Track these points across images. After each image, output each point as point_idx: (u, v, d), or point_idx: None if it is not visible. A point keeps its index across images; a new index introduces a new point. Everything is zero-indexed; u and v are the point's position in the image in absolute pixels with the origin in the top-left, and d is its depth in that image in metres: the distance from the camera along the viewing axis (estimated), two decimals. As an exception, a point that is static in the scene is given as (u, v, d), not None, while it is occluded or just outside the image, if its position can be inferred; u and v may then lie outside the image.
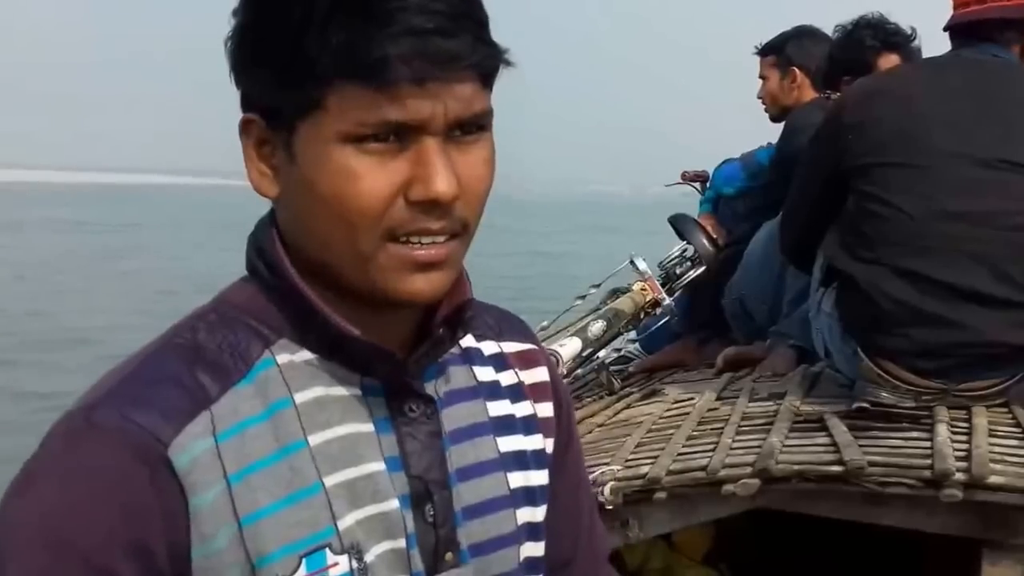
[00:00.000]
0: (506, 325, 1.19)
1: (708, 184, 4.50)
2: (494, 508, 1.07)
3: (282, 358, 0.98)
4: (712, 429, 2.59)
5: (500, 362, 1.14)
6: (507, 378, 1.14)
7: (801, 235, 2.90)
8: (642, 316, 3.76)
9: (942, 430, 2.28)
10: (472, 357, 1.11)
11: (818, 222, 2.75)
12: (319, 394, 0.98)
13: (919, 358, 2.48)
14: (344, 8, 0.89)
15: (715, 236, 4.01)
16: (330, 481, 0.96)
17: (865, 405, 2.48)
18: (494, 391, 1.12)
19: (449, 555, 1.02)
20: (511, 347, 1.16)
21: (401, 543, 0.99)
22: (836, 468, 2.13)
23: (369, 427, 0.99)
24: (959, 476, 2.01)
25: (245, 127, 0.97)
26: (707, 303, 3.94)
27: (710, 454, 2.32)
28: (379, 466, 0.99)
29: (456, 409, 1.07)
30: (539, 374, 1.17)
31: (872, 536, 2.70)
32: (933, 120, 2.58)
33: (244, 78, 0.97)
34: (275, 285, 0.99)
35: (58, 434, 0.92)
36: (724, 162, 4.31)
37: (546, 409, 1.16)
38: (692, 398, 3.04)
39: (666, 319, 3.86)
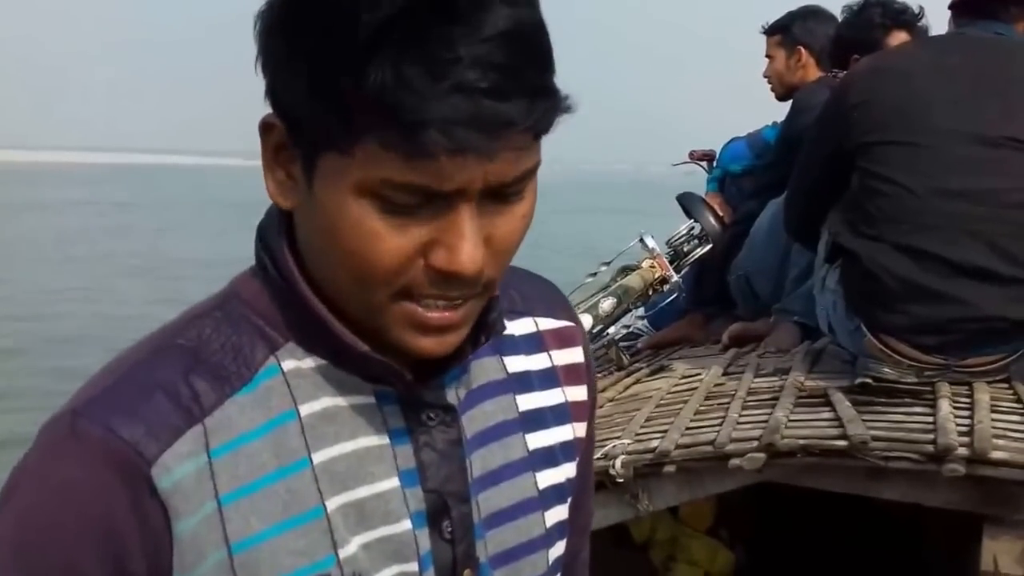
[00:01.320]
0: (542, 297, 1.08)
1: (715, 163, 4.53)
2: (522, 512, 0.98)
3: (288, 364, 0.90)
4: (719, 404, 2.63)
5: (534, 342, 1.04)
6: (539, 362, 1.04)
7: (806, 213, 2.93)
8: (650, 293, 3.80)
9: (944, 405, 2.31)
10: (503, 345, 1.01)
11: (822, 200, 2.77)
12: (327, 405, 0.90)
13: (921, 334, 2.51)
14: (392, 39, 0.76)
15: (722, 214, 4.04)
16: (333, 503, 0.88)
17: (868, 381, 2.51)
18: (525, 382, 1.02)
19: (467, 572, 0.93)
20: (547, 324, 1.06)
21: (413, 566, 0.90)
22: (840, 442, 2.16)
23: (383, 439, 0.91)
24: (961, 451, 2.04)
25: (265, 129, 0.86)
26: (714, 280, 3.98)
27: (717, 428, 2.35)
28: (391, 483, 0.90)
29: (482, 408, 0.97)
30: (574, 355, 1.07)
31: (873, 510, 2.74)
32: (934, 98, 2.60)
33: (271, 73, 0.85)
34: (282, 287, 0.90)
35: (42, 442, 0.86)
36: (731, 141, 4.34)
37: (579, 392, 1.07)
38: (699, 373, 3.08)
39: (674, 296, 3.90)
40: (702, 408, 2.63)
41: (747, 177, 4.19)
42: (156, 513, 0.83)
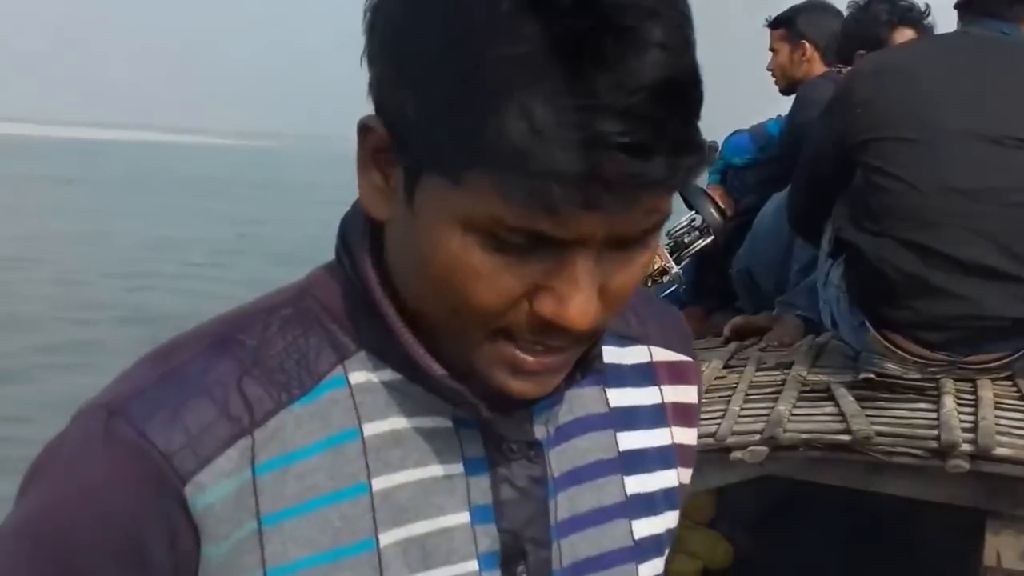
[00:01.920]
0: (661, 325, 0.97)
1: (718, 155, 4.52)
2: (613, 563, 0.87)
3: (356, 377, 0.80)
4: (720, 397, 2.63)
5: (645, 374, 0.94)
6: (648, 397, 0.93)
7: (810, 207, 2.93)
8: (650, 284, 3.80)
9: (948, 402, 2.32)
10: (608, 375, 0.90)
11: (826, 195, 2.78)
12: (396, 427, 0.80)
13: (925, 330, 2.51)
14: (527, 76, 0.66)
15: (723, 206, 4.04)
16: (388, 538, 0.78)
17: (871, 376, 2.52)
18: (629, 418, 0.91)
19: None
20: (663, 355, 0.95)
21: None
22: (843, 437, 2.17)
23: (456, 469, 0.80)
24: (965, 447, 2.05)
25: (364, 131, 0.76)
26: (715, 272, 3.98)
27: (718, 421, 2.35)
28: (460, 518, 0.80)
29: (575, 445, 0.87)
30: (687, 394, 0.96)
31: (873, 505, 2.75)
32: (939, 96, 2.61)
33: (378, 75, 0.74)
34: (359, 292, 0.80)
35: (73, 432, 0.78)
36: (734, 133, 4.33)
37: (687, 436, 0.96)
38: (700, 366, 3.07)
39: (674, 287, 3.90)
40: (703, 401, 2.62)
41: (750, 170, 4.19)
42: (186, 534, 0.75)
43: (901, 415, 2.31)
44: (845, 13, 3.77)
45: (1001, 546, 2.07)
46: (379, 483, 0.78)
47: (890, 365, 2.53)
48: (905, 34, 3.51)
